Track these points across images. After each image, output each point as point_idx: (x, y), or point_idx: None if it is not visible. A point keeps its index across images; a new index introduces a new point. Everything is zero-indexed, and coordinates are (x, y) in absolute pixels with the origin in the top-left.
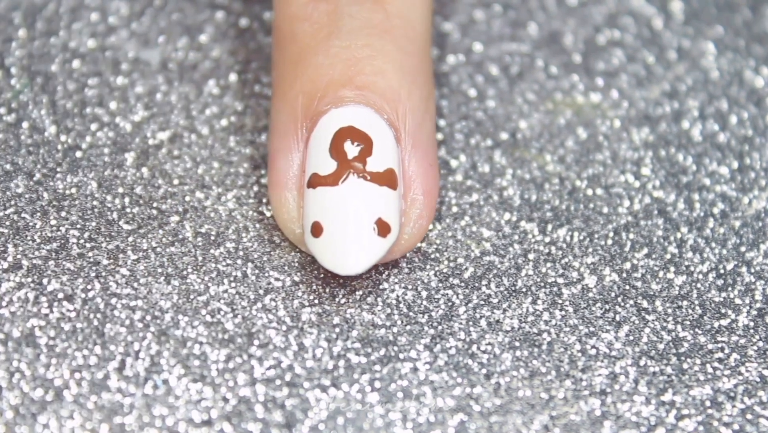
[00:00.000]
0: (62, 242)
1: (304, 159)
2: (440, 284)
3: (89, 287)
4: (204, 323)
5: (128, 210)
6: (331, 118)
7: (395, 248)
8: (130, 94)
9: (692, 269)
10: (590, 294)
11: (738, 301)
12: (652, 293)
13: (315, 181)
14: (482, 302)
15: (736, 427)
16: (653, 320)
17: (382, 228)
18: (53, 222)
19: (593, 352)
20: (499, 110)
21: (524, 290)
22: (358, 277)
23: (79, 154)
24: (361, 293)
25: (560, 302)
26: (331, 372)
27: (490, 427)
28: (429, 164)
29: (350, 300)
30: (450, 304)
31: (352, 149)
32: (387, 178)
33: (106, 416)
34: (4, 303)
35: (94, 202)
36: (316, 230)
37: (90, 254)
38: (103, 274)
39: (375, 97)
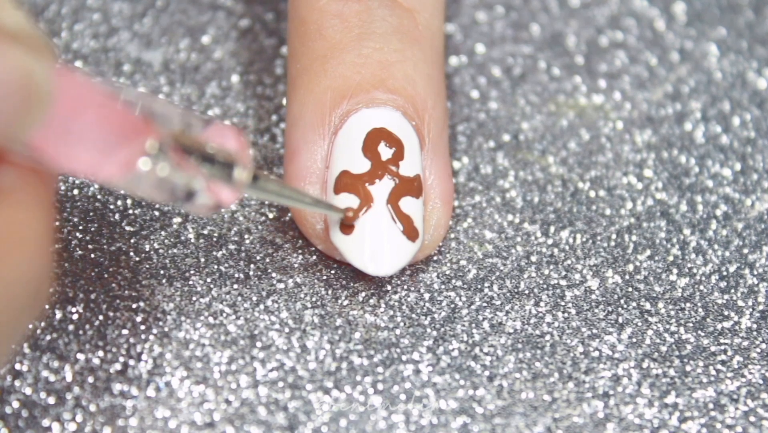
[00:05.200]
0: (64, 243)
1: (328, 154)
2: (443, 286)
3: (91, 288)
4: (206, 324)
5: (130, 212)
6: (362, 118)
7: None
8: None
9: (695, 271)
10: (593, 296)
11: (741, 303)
12: (654, 295)
13: (347, 178)
14: (485, 304)
15: (739, 429)
16: (656, 322)
17: (412, 233)
18: (55, 224)
19: (596, 354)
20: (502, 112)
21: (527, 292)
22: (361, 278)
23: None
24: (364, 294)
25: (563, 304)
26: (333, 374)
27: (493, 429)
28: (447, 174)
29: (353, 302)
30: (452, 306)
31: (386, 151)
32: (415, 185)
33: (108, 418)
34: None
35: (96, 204)
36: (347, 227)
37: (92, 255)
38: (106, 276)
39: (405, 103)
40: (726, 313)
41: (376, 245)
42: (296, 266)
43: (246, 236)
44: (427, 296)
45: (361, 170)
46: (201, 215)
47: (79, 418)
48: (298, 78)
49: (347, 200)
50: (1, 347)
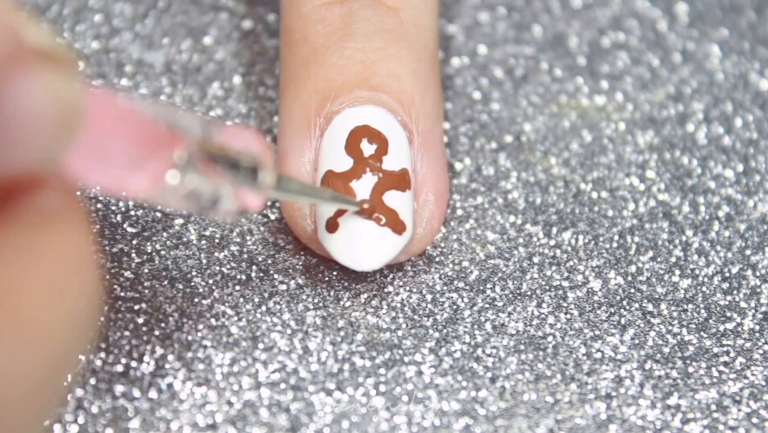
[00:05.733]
0: None
1: (316, 157)
2: (445, 288)
3: None
4: (208, 326)
5: (132, 213)
6: (345, 118)
7: (407, 249)
8: (134, 96)
9: (697, 272)
10: (595, 297)
11: (743, 304)
12: (657, 297)
13: (330, 178)
14: (487, 306)
15: (741, 431)
16: (658, 324)
17: (398, 226)
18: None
19: (598, 355)
20: (504, 113)
21: (529, 293)
22: (363, 280)
23: None
24: (366, 296)
25: (565, 305)
26: (335, 376)
27: (495, 431)
28: (440, 167)
29: (355, 303)
30: (455, 307)
31: (368, 148)
32: (401, 178)
33: (110, 420)
34: None
35: (98, 205)
36: (332, 226)
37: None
38: (107, 277)
39: (389, 99)
40: (728, 314)
41: (359, 240)
42: (298, 267)
43: (248, 238)
44: (429, 297)
45: (344, 168)
46: (226, 220)
47: (81, 420)
48: (285, 85)
49: None
50: (60, 377)
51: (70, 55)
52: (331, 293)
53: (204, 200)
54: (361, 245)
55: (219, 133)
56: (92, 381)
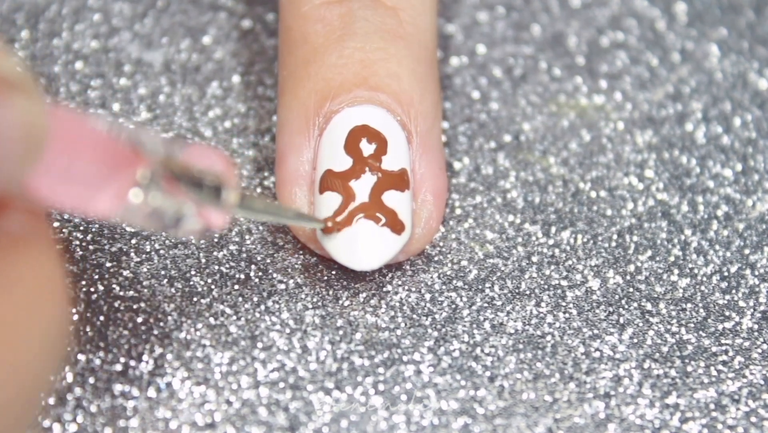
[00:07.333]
0: (65, 244)
1: (315, 156)
2: (444, 287)
3: (92, 289)
4: (207, 325)
5: None
6: (345, 117)
7: (405, 249)
8: (132, 96)
9: (696, 271)
10: (594, 297)
11: (742, 303)
12: (655, 296)
13: (329, 177)
14: (486, 305)
15: (740, 430)
16: (657, 323)
17: (397, 226)
18: (56, 225)
19: (597, 355)
20: (503, 112)
21: (528, 292)
22: (362, 279)
23: None
24: (364, 295)
25: (564, 304)
26: (334, 375)
27: (494, 430)
28: (439, 168)
29: (354, 303)
30: (453, 306)
31: (367, 147)
32: (400, 178)
33: (109, 419)
34: None
35: None
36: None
37: (93, 256)
38: (107, 276)
39: (388, 99)
40: (727, 313)
41: (358, 240)
42: (297, 266)
43: (247, 237)
44: (428, 296)
45: (344, 168)
46: (191, 239)
47: (80, 419)
48: (284, 84)
49: (331, 199)
50: (33, 397)
51: (35, 82)
52: (330, 292)
53: (167, 219)
54: (359, 244)
55: (182, 152)
56: (91, 380)
